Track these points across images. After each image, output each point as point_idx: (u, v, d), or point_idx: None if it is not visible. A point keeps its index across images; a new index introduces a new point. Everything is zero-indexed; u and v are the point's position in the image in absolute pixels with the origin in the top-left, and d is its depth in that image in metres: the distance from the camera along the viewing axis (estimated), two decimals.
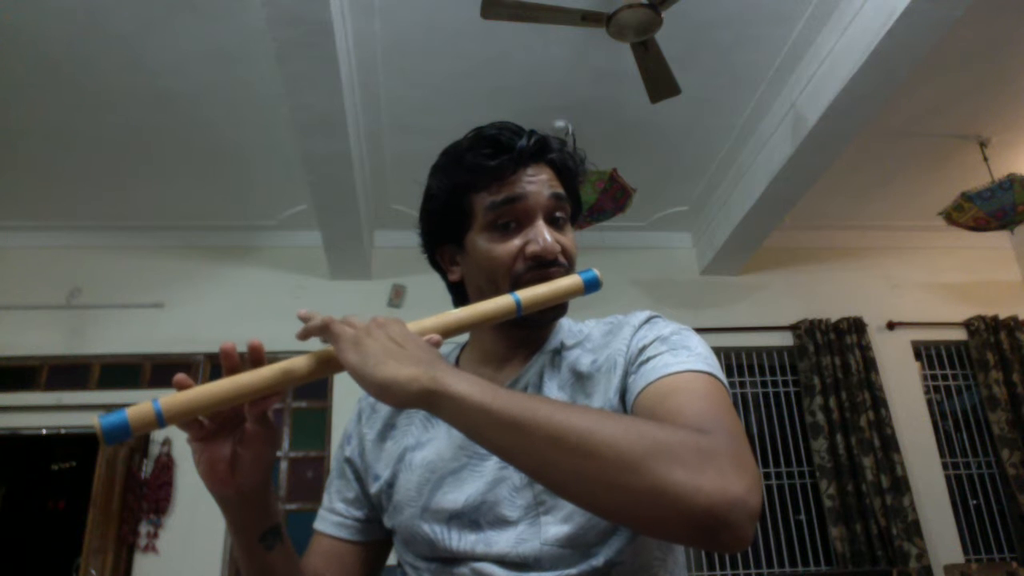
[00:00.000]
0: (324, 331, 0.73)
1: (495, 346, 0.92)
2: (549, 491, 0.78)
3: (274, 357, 0.73)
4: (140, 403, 0.67)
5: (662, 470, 0.59)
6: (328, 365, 0.73)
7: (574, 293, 0.84)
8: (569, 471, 0.62)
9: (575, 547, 0.77)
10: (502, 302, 0.80)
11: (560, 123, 3.44)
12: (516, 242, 0.86)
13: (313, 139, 3.02)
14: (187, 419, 0.71)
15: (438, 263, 0.95)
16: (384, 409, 0.95)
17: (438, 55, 3.02)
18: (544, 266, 0.85)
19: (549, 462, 0.62)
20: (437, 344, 0.74)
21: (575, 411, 0.65)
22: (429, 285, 1.02)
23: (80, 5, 2.66)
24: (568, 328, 0.93)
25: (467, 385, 0.66)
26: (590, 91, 3.28)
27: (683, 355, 0.78)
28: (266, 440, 0.77)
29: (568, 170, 0.92)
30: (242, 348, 0.75)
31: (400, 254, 4.23)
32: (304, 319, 0.75)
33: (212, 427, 0.75)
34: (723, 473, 0.60)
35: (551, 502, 0.78)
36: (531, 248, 0.85)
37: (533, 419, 0.63)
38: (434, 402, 0.66)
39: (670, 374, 0.76)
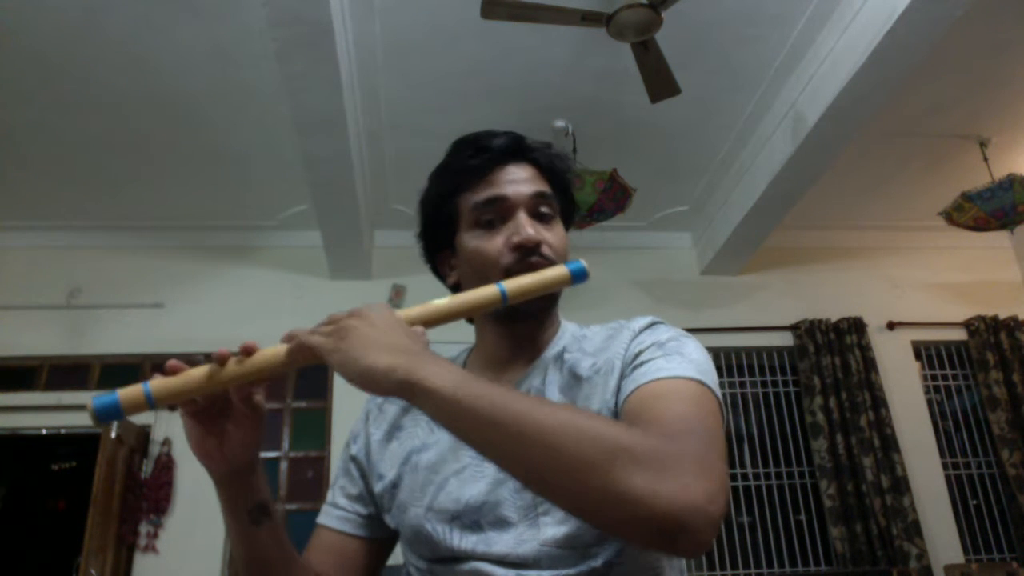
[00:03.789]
0: (302, 348, 0.73)
1: (497, 349, 0.94)
2: None
3: None
4: (132, 385, 0.70)
5: (620, 472, 0.60)
6: (312, 353, 0.74)
7: (561, 283, 0.84)
8: (532, 467, 0.63)
9: (573, 548, 0.77)
10: (487, 291, 0.81)
11: (560, 123, 3.44)
12: (501, 236, 0.88)
13: (313, 139, 3.02)
14: (175, 401, 0.74)
15: (439, 272, 0.98)
16: (391, 410, 0.96)
17: (438, 55, 3.02)
18: (529, 255, 0.87)
19: (512, 456, 0.64)
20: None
21: (545, 407, 0.66)
22: (429, 285, 1.03)
23: (79, 5, 2.66)
24: (571, 333, 0.95)
25: (442, 378, 0.66)
26: (590, 91, 3.28)
27: (676, 361, 0.79)
28: (254, 421, 0.79)
29: (554, 169, 0.94)
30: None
31: (400, 254, 4.22)
32: (286, 340, 0.75)
33: (203, 404, 0.77)
34: (682, 479, 0.60)
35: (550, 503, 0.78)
36: (514, 239, 0.87)
37: (501, 414, 0.64)
38: (411, 393, 0.67)
39: (659, 379, 0.77)
